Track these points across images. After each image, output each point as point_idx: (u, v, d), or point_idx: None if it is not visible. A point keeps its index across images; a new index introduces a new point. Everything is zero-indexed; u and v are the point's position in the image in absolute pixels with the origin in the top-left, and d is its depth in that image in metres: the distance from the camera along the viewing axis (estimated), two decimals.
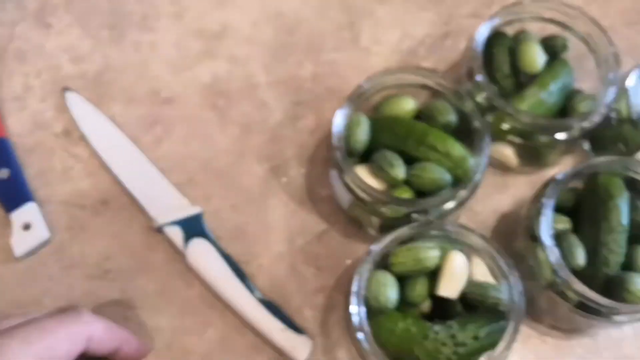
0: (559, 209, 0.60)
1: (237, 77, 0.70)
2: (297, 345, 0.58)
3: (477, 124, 0.59)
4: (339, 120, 0.58)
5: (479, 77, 0.60)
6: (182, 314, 0.61)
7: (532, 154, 0.65)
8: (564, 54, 0.65)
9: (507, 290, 0.54)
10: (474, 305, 0.55)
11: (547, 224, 0.55)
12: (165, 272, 0.62)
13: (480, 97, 0.60)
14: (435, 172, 0.57)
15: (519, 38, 0.64)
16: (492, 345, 0.52)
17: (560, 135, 0.60)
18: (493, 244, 0.55)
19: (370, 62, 0.71)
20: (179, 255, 0.62)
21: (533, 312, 0.61)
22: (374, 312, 0.54)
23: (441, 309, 0.57)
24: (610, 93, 0.60)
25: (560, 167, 0.67)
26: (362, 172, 0.59)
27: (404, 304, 0.56)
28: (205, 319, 0.61)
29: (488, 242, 0.55)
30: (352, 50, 0.72)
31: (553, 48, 0.65)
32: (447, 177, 0.57)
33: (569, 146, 0.64)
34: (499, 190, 0.67)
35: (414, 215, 0.58)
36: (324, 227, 0.64)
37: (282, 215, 0.65)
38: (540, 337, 0.61)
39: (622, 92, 0.61)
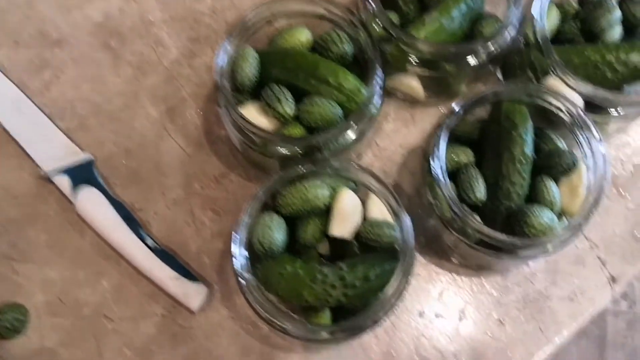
0: (464, 141, 0.56)
1: (131, 14, 0.65)
2: (190, 292, 0.55)
3: (369, 54, 0.54)
4: (221, 56, 0.53)
5: (372, 4, 0.55)
6: (74, 265, 0.57)
7: (440, 84, 0.61)
8: None
9: (399, 230, 0.51)
10: (370, 245, 0.52)
11: (441, 158, 0.51)
12: (57, 222, 0.58)
13: (377, 26, 0.55)
14: (325, 107, 0.53)
15: None
16: (384, 286, 0.49)
17: (466, 62, 0.56)
18: (383, 181, 0.51)
19: None
20: (70, 205, 0.58)
21: (440, 250, 0.59)
22: (262, 256, 0.51)
23: (339, 251, 0.54)
24: (514, 14, 0.55)
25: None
26: (251, 111, 0.55)
27: (299, 246, 0.53)
28: (99, 269, 0.57)
29: (377, 179, 0.51)
30: None
31: None
32: (337, 111, 0.53)
33: (478, 74, 0.60)
34: (407, 124, 0.62)
35: (317, 154, 0.54)
36: (223, 169, 0.60)
37: (179, 159, 0.61)
38: (449, 275, 0.58)
39: (529, 16, 0.56)
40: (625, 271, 0.58)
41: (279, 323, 0.49)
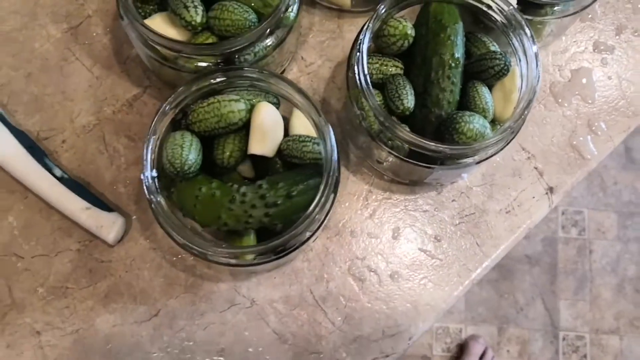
0: (394, 52, 0.52)
1: None
2: (105, 224, 0.51)
3: None
4: None
5: None
6: None
7: None
8: None
9: (323, 144, 0.47)
10: (294, 162, 0.48)
11: (363, 64, 0.46)
12: None
13: None
14: (237, 12, 0.47)
15: None
16: (309, 203, 0.45)
17: None
18: (304, 92, 0.47)
19: None
20: None
21: (372, 167, 0.55)
22: (175, 178, 0.47)
23: (263, 172, 0.50)
24: None
25: None
26: (159, 22, 0.49)
27: (218, 168, 0.49)
28: (4, 204, 0.52)
29: (298, 90, 0.47)
30: None
31: None
32: (251, 17, 0.48)
33: None
34: (334, 36, 0.58)
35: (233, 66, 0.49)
36: (136, 91, 0.55)
37: (87, 83, 0.55)
38: (381, 193, 0.55)
39: None
40: (563, 181, 0.56)
41: (197, 248, 0.45)
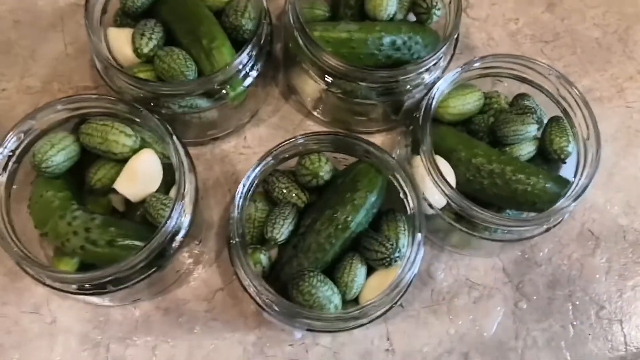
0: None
1: None
2: None
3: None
4: None
5: None
6: None
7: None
8: (427, 22, 0.53)
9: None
10: (147, 220, 0.46)
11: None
12: None
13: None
14: (178, 62, 0.47)
15: None
16: (124, 258, 0.41)
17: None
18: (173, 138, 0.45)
19: None
20: None
21: None
22: (35, 171, 0.46)
23: (132, 211, 0.48)
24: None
25: None
26: (122, 36, 0.50)
27: (87, 187, 0.47)
28: None
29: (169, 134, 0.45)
30: None
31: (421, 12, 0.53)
32: (188, 72, 0.47)
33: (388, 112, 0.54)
34: (285, 135, 0.55)
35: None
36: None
37: None
38: None
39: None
40: None
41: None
